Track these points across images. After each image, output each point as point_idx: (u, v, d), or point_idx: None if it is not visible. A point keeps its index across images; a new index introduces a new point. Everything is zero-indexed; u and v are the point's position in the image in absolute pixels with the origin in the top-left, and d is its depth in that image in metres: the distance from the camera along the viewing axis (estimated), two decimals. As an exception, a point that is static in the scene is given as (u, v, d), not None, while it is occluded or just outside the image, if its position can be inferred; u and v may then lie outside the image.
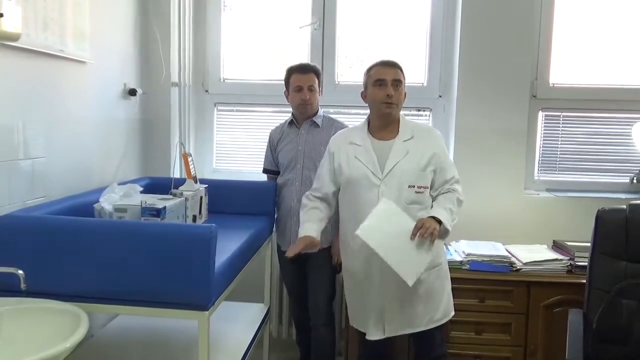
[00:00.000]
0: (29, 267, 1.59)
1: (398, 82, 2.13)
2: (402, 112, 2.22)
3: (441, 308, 2.18)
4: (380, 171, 2.10)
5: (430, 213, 2.05)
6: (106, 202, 2.08)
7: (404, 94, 2.17)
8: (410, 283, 1.97)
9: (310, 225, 2.17)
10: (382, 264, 1.99)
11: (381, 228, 1.99)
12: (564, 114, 3.00)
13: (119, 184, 2.29)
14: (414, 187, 2.10)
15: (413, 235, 1.98)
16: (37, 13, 1.95)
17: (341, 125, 2.58)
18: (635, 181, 2.93)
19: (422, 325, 2.15)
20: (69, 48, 2.16)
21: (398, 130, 2.17)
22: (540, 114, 3.00)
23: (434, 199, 2.14)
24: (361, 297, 2.18)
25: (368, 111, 2.24)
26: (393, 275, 1.97)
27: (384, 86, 2.12)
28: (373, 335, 2.16)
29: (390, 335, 2.15)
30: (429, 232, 1.97)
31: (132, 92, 2.75)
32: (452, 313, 2.24)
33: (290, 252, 2.13)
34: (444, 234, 2.05)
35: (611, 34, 2.96)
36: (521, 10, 2.83)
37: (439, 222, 2.01)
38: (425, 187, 2.12)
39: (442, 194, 2.13)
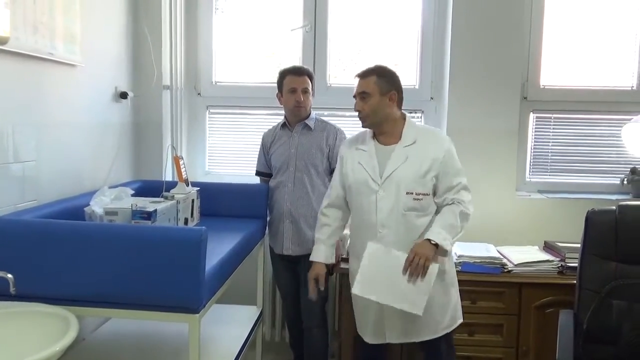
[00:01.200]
0: (19, 270, 1.58)
1: (365, 94, 2.08)
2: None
3: (446, 318, 2.13)
4: (380, 177, 2.08)
5: (427, 234, 2.00)
6: (97, 206, 2.07)
7: (391, 95, 2.11)
8: (420, 313, 1.95)
9: (319, 248, 2.22)
10: None
11: (375, 275, 2.00)
12: (554, 115, 3.02)
13: (110, 187, 2.28)
14: (412, 193, 2.05)
15: (404, 270, 1.96)
16: (26, 16, 1.94)
17: (333, 128, 2.59)
18: (625, 182, 2.95)
19: (425, 334, 2.11)
20: (59, 51, 2.16)
21: (401, 135, 2.13)
22: (532, 116, 3.01)
23: (438, 208, 2.09)
24: (364, 303, 2.14)
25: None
26: None
27: (356, 101, 2.13)
28: (372, 339, 2.15)
29: (392, 341, 2.13)
30: (420, 267, 1.94)
31: (124, 95, 2.75)
32: (460, 321, 2.19)
33: (312, 296, 2.23)
34: (443, 253, 2.01)
35: (601, 36, 2.98)
36: (512, 12, 2.85)
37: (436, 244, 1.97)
38: (425, 194, 2.06)
39: (447, 205, 2.06)
